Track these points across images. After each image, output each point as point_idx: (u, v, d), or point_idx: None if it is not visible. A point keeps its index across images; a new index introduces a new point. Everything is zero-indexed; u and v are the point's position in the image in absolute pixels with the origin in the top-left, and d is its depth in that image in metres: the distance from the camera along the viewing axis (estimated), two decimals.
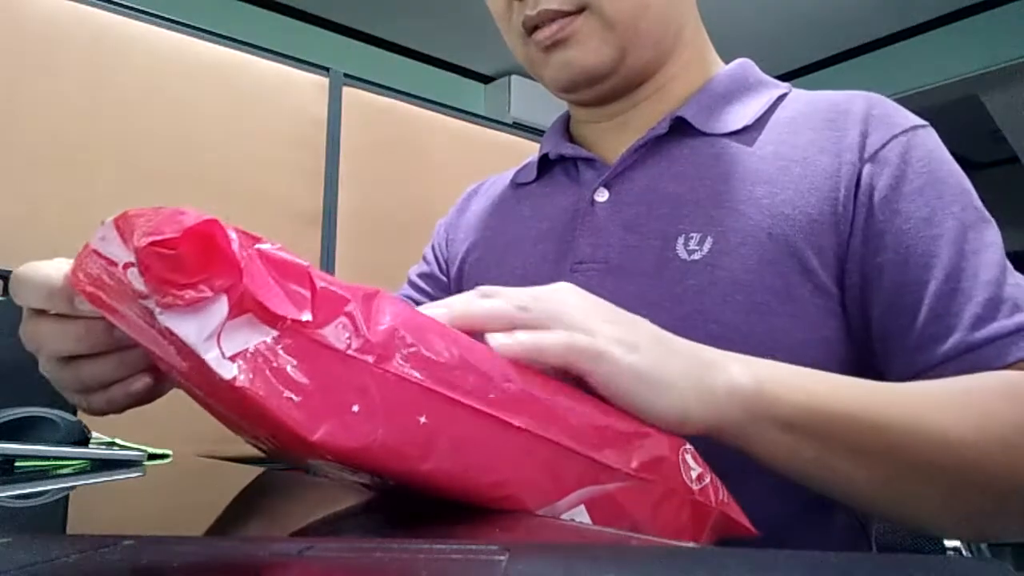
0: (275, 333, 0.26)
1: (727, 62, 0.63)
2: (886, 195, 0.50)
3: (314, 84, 1.54)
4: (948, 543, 0.92)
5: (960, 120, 4.02)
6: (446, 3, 3.10)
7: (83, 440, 0.55)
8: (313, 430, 0.26)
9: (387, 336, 0.28)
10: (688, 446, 0.37)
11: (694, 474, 0.36)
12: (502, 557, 0.19)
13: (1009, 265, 0.49)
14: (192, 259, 0.25)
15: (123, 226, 0.27)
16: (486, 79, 3.81)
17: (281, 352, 0.26)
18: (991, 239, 0.49)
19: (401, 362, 0.28)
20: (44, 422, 0.54)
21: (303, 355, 0.26)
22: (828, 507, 0.52)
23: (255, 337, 0.25)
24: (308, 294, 0.27)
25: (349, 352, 0.27)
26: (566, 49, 0.55)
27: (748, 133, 0.55)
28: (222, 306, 0.25)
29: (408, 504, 0.32)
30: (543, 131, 0.71)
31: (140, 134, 1.31)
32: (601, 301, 0.39)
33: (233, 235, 0.26)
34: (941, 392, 0.43)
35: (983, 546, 0.95)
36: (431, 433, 0.28)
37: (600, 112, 0.61)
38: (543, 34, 0.55)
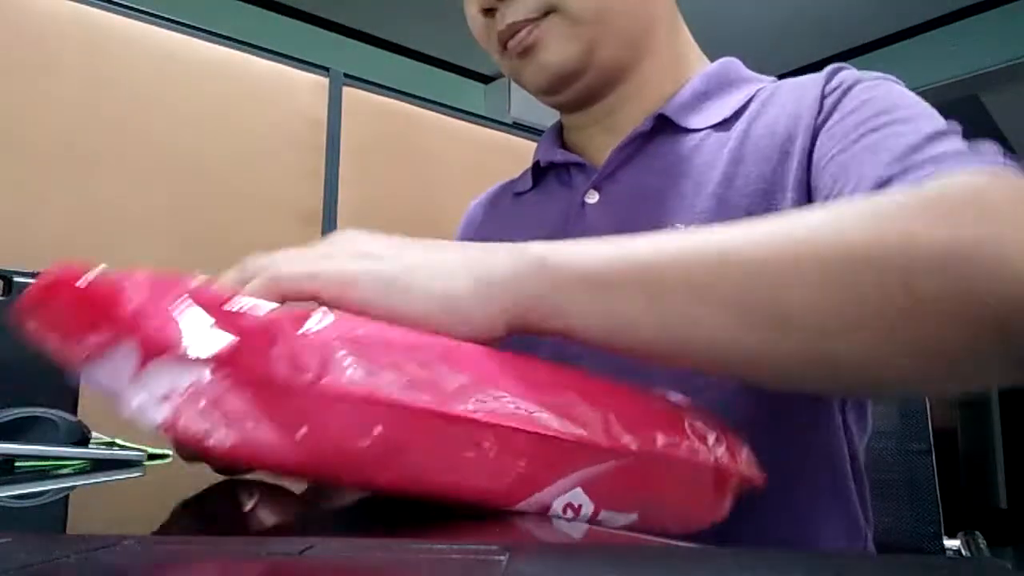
0: (205, 371, 0.25)
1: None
2: (820, 124, 0.50)
3: (314, 84, 1.54)
4: (948, 543, 0.92)
5: (960, 120, 4.01)
6: (446, 3, 3.10)
7: (83, 440, 0.55)
8: (256, 461, 0.26)
9: (324, 351, 0.26)
10: (691, 413, 0.34)
11: (710, 439, 0.33)
12: (502, 557, 0.19)
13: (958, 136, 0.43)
14: (82, 311, 0.25)
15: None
16: (486, 79, 3.81)
17: (212, 388, 0.25)
18: (939, 121, 0.44)
19: (346, 375, 0.26)
20: (44, 422, 0.54)
21: (237, 389, 0.25)
22: (827, 505, 0.52)
23: (183, 378, 0.25)
24: (234, 328, 0.26)
25: (289, 378, 0.25)
26: (536, 54, 0.57)
27: (726, 123, 0.57)
28: (130, 352, 0.24)
29: (408, 504, 0.32)
30: (543, 131, 0.72)
31: (140, 134, 1.31)
32: (353, 233, 0.35)
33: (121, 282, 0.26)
34: (826, 208, 0.34)
35: (983, 545, 0.95)
36: (387, 443, 0.26)
37: (586, 116, 0.63)
38: (512, 44, 0.57)
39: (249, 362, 0.26)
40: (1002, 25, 3.13)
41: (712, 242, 0.33)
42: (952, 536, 0.94)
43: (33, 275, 1.23)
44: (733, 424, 0.37)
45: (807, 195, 0.50)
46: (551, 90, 0.60)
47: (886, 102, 0.47)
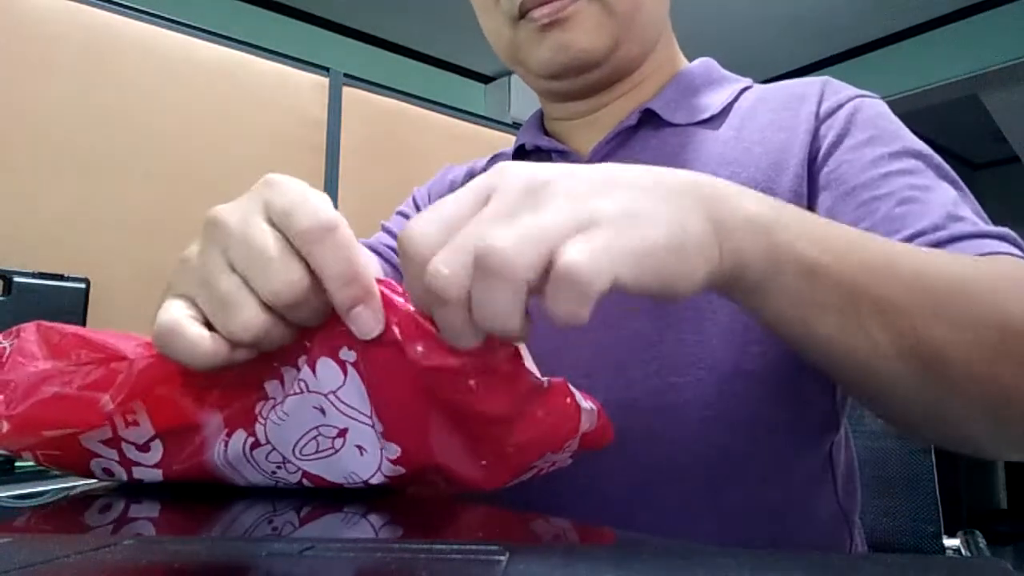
0: None
1: (723, 64, 0.65)
2: (829, 150, 0.52)
3: (314, 84, 1.54)
4: (948, 543, 0.92)
5: (960, 120, 4.02)
6: (446, 3, 3.10)
7: None
8: None
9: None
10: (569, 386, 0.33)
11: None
12: (502, 557, 0.19)
13: (970, 204, 0.46)
14: None
15: None
16: (486, 79, 3.81)
17: None
18: (946, 184, 0.47)
19: None
20: None
21: None
22: (813, 498, 0.52)
23: None
24: None
25: None
26: (564, 31, 0.55)
27: (712, 122, 0.57)
28: None
29: (409, 504, 0.32)
30: None
31: (139, 134, 1.31)
32: (556, 167, 0.30)
33: None
34: (932, 251, 0.39)
35: (983, 545, 0.95)
36: None
37: (574, 108, 0.63)
38: (542, 11, 0.54)
39: None
40: (1002, 25, 3.13)
41: (908, 265, 0.35)
42: (952, 536, 0.94)
43: (33, 275, 1.23)
44: (717, 413, 0.44)
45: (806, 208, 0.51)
46: (561, 73, 0.58)
47: (895, 141, 0.50)
